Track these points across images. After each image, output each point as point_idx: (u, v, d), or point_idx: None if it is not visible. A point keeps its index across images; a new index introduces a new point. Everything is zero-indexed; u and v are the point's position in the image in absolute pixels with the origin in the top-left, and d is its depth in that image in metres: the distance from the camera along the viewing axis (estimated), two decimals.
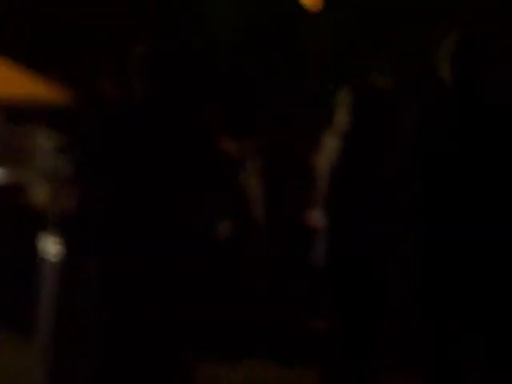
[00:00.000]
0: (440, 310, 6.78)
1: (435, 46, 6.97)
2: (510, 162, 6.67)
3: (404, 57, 19.15)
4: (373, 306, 7.68)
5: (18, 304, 10.78)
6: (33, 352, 9.11)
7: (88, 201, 7.08)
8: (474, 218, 6.58)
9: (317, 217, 8.63)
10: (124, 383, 6.74)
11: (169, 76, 6.56)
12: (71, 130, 14.63)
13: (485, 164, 6.61)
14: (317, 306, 8.30)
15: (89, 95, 17.99)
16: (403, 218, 6.86)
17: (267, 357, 10.52)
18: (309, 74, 22.93)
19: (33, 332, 9.17)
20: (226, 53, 21.79)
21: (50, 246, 8.96)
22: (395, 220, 7.11)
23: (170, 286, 6.54)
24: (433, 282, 6.73)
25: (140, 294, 6.50)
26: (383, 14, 22.15)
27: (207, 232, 6.77)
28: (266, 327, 10.64)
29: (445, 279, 6.71)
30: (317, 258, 8.05)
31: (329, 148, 7.89)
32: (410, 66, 16.43)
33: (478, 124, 6.65)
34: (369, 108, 7.80)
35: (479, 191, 6.59)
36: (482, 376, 6.89)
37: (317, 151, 9.37)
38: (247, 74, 22.41)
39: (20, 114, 16.07)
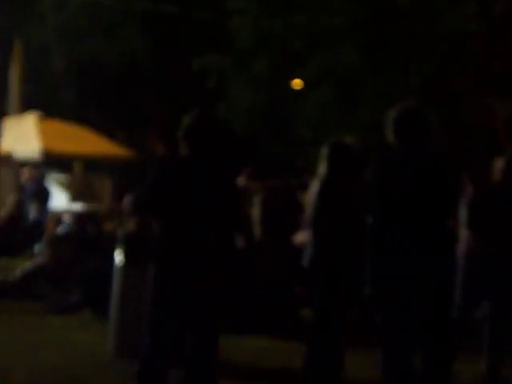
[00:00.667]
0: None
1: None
2: (437, 196, 6.65)
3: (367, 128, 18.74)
4: (341, 294, 7.60)
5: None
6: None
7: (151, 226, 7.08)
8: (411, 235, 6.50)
9: (304, 234, 8.62)
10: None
11: (207, 140, 6.68)
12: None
13: (421, 198, 6.58)
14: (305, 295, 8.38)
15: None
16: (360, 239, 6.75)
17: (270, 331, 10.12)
18: (297, 139, 22.82)
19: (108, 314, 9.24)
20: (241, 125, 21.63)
21: (119, 258, 9.06)
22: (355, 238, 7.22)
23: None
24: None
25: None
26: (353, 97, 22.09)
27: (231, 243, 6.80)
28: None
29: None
30: (305, 261, 8.00)
31: (313, 188, 7.78)
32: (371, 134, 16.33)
33: (415, 175, 6.63)
34: (340, 157, 7.72)
35: (416, 219, 6.54)
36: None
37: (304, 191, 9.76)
38: (256, 141, 22.22)
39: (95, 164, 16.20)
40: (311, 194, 7.85)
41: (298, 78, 23.72)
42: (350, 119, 20.97)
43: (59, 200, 14.55)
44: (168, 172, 6.71)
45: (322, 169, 7.74)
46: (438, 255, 6.63)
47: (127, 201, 11.38)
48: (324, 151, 7.79)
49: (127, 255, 9.01)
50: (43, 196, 14.75)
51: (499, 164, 8.23)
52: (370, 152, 7.97)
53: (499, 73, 22.38)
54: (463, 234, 8.81)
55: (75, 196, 14.56)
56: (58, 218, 14.09)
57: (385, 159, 6.84)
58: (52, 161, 15.59)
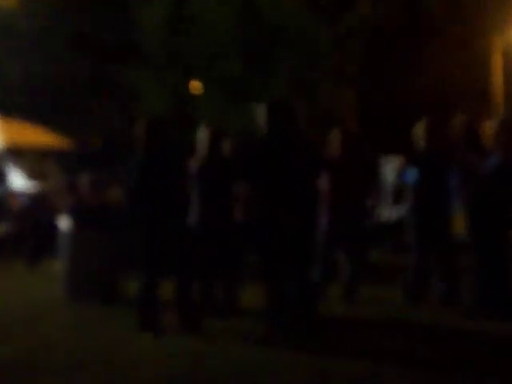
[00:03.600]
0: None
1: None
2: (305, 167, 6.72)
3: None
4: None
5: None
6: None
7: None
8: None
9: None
10: None
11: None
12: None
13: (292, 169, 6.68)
14: None
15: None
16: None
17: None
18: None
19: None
20: None
21: (65, 224, 8.99)
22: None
23: None
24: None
25: None
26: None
27: None
28: None
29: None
30: None
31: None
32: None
33: (287, 153, 6.71)
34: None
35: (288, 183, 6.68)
36: None
37: None
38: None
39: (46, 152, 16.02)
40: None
41: (197, 83, 23.70)
42: (236, 113, 21.13)
43: (19, 181, 14.41)
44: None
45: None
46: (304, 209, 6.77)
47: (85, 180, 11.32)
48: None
49: (73, 220, 8.94)
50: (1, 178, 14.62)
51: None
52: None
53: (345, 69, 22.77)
54: None
55: (29, 177, 14.34)
56: (16, 195, 13.94)
57: (264, 141, 6.88)
58: (12, 151, 15.51)
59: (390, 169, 11.15)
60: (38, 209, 12.78)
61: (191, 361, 5.86)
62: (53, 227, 9.77)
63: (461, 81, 27.09)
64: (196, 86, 23.84)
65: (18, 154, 15.56)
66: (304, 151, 6.85)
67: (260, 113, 6.90)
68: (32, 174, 14.23)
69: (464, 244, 7.41)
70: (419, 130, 8.01)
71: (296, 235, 6.77)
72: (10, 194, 14.05)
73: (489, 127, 7.49)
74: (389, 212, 11.40)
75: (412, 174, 8.05)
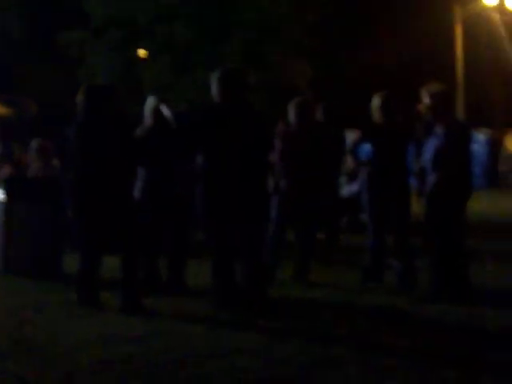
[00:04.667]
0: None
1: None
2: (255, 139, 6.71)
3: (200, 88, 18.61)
4: None
5: None
6: None
7: None
8: None
9: None
10: None
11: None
12: None
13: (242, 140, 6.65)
14: None
15: None
16: None
17: None
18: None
19: None
20: None
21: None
22: None
23: None
24: None
25: None
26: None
27: None
28: None
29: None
30: None
31: None
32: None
33: (236, 122, 6.68)
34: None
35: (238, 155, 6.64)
36: None
37: None
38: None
39: None
40: None
41: (143, 48, 23.52)
42: (186, 81, 21.00)
43: None
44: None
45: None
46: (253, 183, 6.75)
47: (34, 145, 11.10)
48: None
49: (8, 192, 8.74)
50: None
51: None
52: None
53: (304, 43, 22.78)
54: None
55: None
56: None
57: (212, 110, 6.85)
58: None
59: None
60: None
61: (134, 343, 5.73)
62: None
63: (421, 53, 27.27)
64: (143, 52, 23.64)
65: None
66: (253, 122, 6.83)
67: (212, 81, 6.85)
68: None
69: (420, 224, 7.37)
70: (375, 104, 7.96)
71: (243, 210, 6.72)
72: None
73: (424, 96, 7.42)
74: (347, 188, 11.36)
75: (367, 149, 8.01)
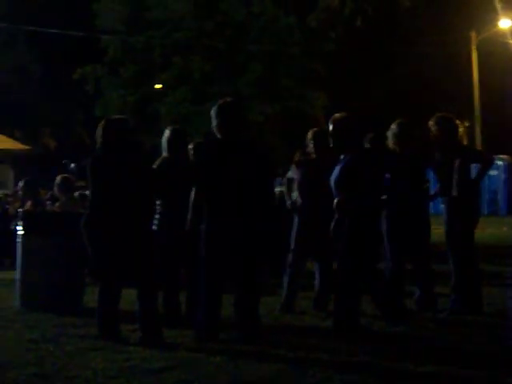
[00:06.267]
0: None
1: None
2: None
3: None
4: None
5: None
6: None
7: None
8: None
9: None
10: None
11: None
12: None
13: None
14: None
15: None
16: None
17: None
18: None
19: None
20: None
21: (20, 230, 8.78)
22: None
23: None
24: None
25: None
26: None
27: None
28: None
29: None
30: None
31: None
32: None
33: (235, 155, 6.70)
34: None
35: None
36: None
37: None
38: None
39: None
40: None
41: (160, 81, 23.71)
42: (202, 113, 21.11)
43: None
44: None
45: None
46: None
47: (20, 184, 11.30)
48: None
49: (26, 227, 8.76)
50: None
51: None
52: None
53: (317, 72, 22.83)
54: None
55: None
56: None
57: (211, 144, 6.92)
58: None
59: None
60: None
61: (155, 375, 5.72)
62: (11, 234, 9.61)
63: (436, 79, 27.26)
64: (158, 85, 23.83)
65: None
66: (251, 154, 6.83)
67: (212, 114, 6.86)
68: None
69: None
70: (391, 132, 8.04)
71: (237, 240, 6.70)
72: None
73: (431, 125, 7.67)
74: None
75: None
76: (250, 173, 6.72)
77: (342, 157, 7.09)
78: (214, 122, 6.80)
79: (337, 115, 7.22)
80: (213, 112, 6.82)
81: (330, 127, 7.12)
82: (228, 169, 6.69)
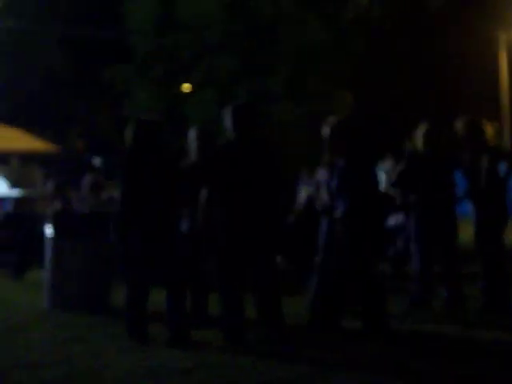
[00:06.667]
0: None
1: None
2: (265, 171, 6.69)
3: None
4: None
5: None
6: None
7: None
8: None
9: None
10: None
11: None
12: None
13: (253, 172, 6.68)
14: None
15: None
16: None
17: None
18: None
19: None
20: None
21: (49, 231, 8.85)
22: None
23: None
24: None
25: None
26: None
27: None
28: None
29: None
30: None
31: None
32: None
33: (248, 152, 6.71)
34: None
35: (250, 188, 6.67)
36: None
37: None
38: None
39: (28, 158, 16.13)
40: None
41: (187, 82, 23.77)
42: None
43: (1, 187, 14.44)
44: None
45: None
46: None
47: (50, 185, 11.36)
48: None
49: (56, 228, 8.82)
50: None
51: None
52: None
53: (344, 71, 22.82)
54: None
55: (14, 184, 14.38)
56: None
57: (226, 144, 6.88)
58: None
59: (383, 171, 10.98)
60: (23, 216, 12.68)
61: (183, 376, 5.74)
62: (39, 235, 9.64)
63: (464, 81, 27.11)
64: (187, 86, 23.88)
65: (1, 161, 15.65)
66: (265, 155, 6.82)
67: (225, 116, 6.87)
68: (16, 180, 14.20)
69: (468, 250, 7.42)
70: (419, 133, 8.03)
71: (254, 240, 6.72)
72: None
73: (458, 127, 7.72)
74: (392, 218, 11.26)
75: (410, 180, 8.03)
76: (261, 172, 6.73)
77: (339, 162, 7.08)
78: (228, 124, 6.82)
79: (333, 119, 7.23)
80: (226, 113, 6.85)
81: (327, 131, 7.13)
82: (240, 169, 6.69)
